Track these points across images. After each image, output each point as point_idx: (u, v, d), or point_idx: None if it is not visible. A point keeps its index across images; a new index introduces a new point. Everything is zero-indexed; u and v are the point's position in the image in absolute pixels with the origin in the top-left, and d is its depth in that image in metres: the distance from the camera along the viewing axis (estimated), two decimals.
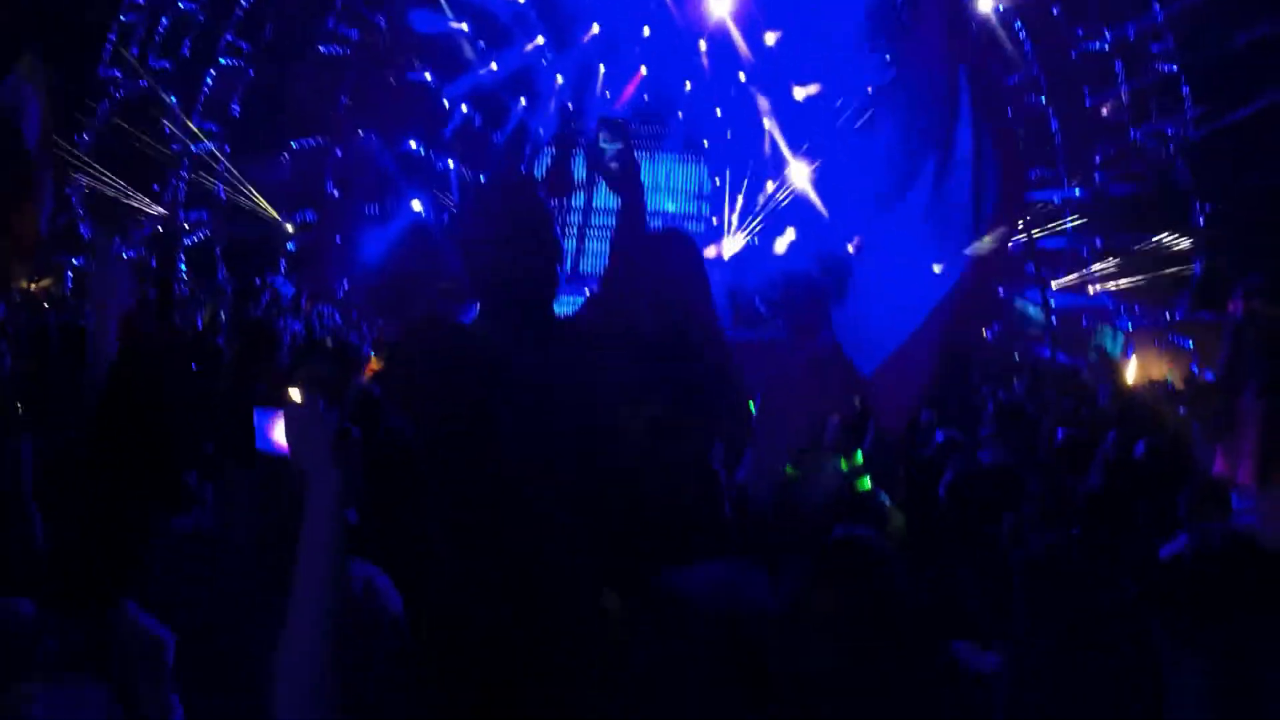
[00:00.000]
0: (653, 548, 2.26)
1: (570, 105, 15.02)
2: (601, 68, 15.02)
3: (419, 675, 1.99)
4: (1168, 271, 12.52)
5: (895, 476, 3.81)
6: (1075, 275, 13.49)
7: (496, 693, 1.90)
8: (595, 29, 14.75)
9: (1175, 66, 12.24)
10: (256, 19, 13.57)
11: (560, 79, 15.01)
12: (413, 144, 15.10)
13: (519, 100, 15.11)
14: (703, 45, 14.53)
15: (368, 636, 2.31)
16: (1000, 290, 11.41)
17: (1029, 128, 13.69)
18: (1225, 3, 10.93)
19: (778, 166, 14.68)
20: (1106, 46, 12.92)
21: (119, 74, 12.44)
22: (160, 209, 12.79)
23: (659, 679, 1.23)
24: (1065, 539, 3.12)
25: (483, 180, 14.40)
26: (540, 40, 14.86)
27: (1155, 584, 2.60)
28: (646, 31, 14.76)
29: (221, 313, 7.77)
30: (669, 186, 15.00)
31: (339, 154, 14.87)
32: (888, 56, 14.14)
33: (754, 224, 15.08)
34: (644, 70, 15.00)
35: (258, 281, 10.64)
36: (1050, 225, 13.60)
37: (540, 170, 14.35)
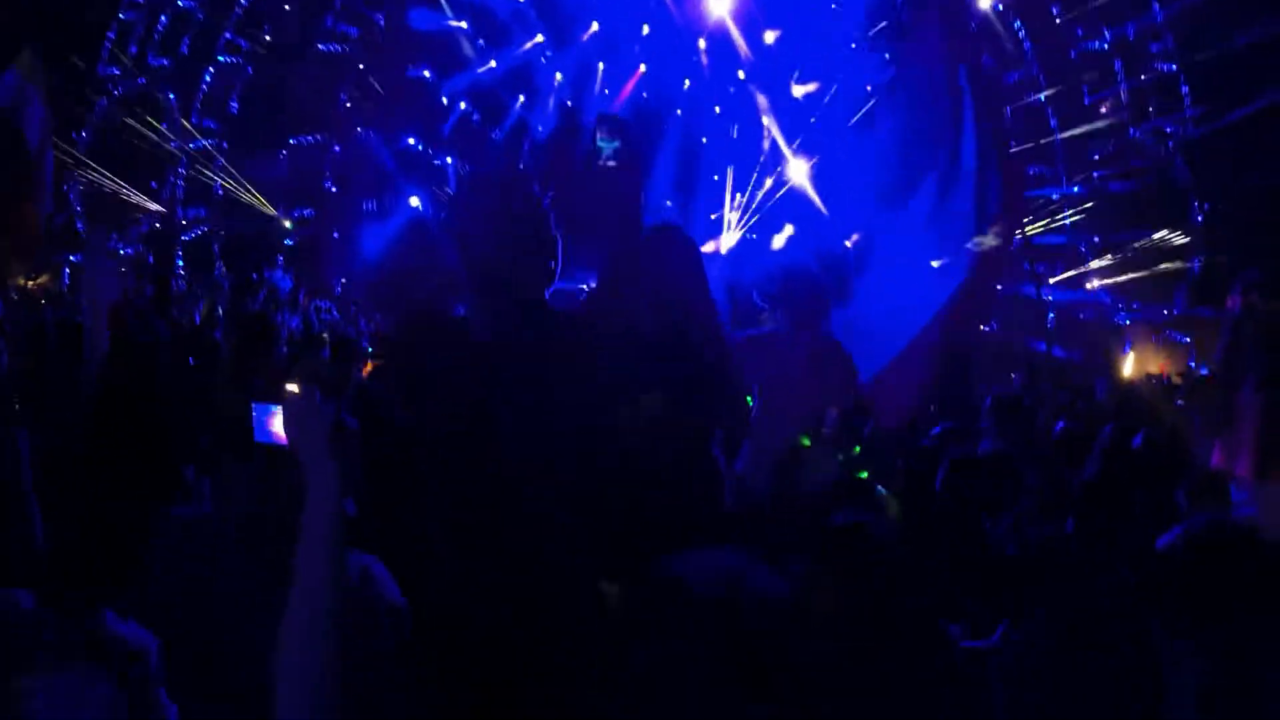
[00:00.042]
0: (653, 541, 2.26)
1: (569, 103, 15.03)
2: (601, 65, 15.02)
3: (417, 668, 1.99)
4: (1166, 267, 12.55)
5: (893, 469, 3.82)
6: (1074, 271, 13.51)
7: (494, 687, 1.90)
8: (594, 27, 14.76)
9: (1174, 66, 12.25)
10: (255, 17, 13.57)
11: (559, 77, 15.02)
12: (411, 141, 15.11)
13: (518, 98, 15.11)
14: (702, 44, 14.54)
15: (366, 625, 2.31)
16: (999, 287, 11.44)
17: (1028, 125, 13.71)
18: (1224, 3, 10.94)
19: (776, 164, 14.69)
20: (1106, 45, 12.93)
21: (118, 71, 12.44)
22: (158, 206, 12.80)
23: (658, 671, 1.22)
24: (1063, 531, 3.12)
25: (479, 176, 14.40)
26: (539, 38, 14.86)
27: (1152, 575, 2.61)
28: (646, 30, 14.76)
29: (219, 307, 7.77)
30: (667, 183, 15.00)
31: (337, 151, 14.88)
32: (887, 55, 14.16)
33: (752, 220, 15.10)
34: (643, 68, 15.01)
35: (255, 276, 10.64)
36: (1049, 221, 13.63)
37: (537, 166, 14.36)
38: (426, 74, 14.87)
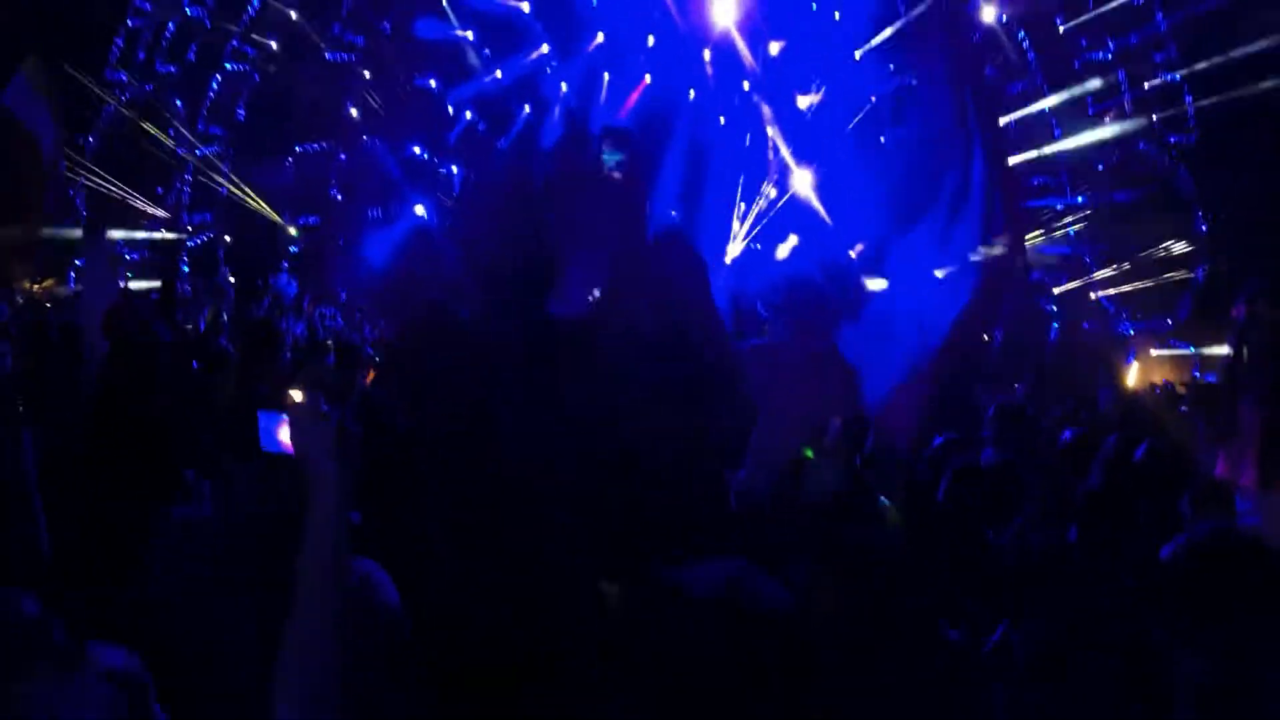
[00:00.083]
0: (654, 543, 2.26)
1: (575, 112, 15.08)
2: (606, 75, 15.08)
3: (416, 670, 1.99)
4: (1170, 277, 12.55)
5: (896, 479, 3.81)
6: (1078, 281, 13.51)
7: (494, 690, 1.90)
8: (600, 38, 14.82)
9: (1178, 75, 12.27)
10: (263, 25, 13.66)
11: (565, 86, 15.07)
12: (417, 149, 15.17)
13: (524, 107, 15.17)
14: (707, 54, 14.59)
15: (366, 631, 2.31)
16: (1004, 296, 11.44)
17: (1032, 135, 13.74)
18: (1227, 13, 10.97)
19: (781, 174, 14.72)
20: (1109, 55, 12.96)
21: (125, 77, 12.53)
22: (164, 211, 12.86)
23: (659, 676, 1.22)
24: (1065, 538, 3.11)
25: (484, 185, 14.46)
26: (545, 48, 14.93)
27: (1155, 582, 2.60)
28: (651, 41, 14.82)
29: (224, 313, 7.80)
30: (672, 193, 15.02)
31: (343, 159, 14.94)
32: (891, 66, 14.21)
33: (756, 230, 15.12)
34: (649, 78, 15.06)
35: (260, 283, 10.67)
36: (1053, 231, 13.65)
37: (542, 176, 14.40)
38: (432, 83, 14.94)
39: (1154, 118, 12.69)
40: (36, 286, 8.69)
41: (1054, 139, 13.60)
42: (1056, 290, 13.63)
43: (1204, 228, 12.35)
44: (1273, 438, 4.33)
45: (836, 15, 14.12)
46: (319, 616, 1.40)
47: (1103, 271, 13.29)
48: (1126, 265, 13.00)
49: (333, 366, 6.18)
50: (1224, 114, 11.51)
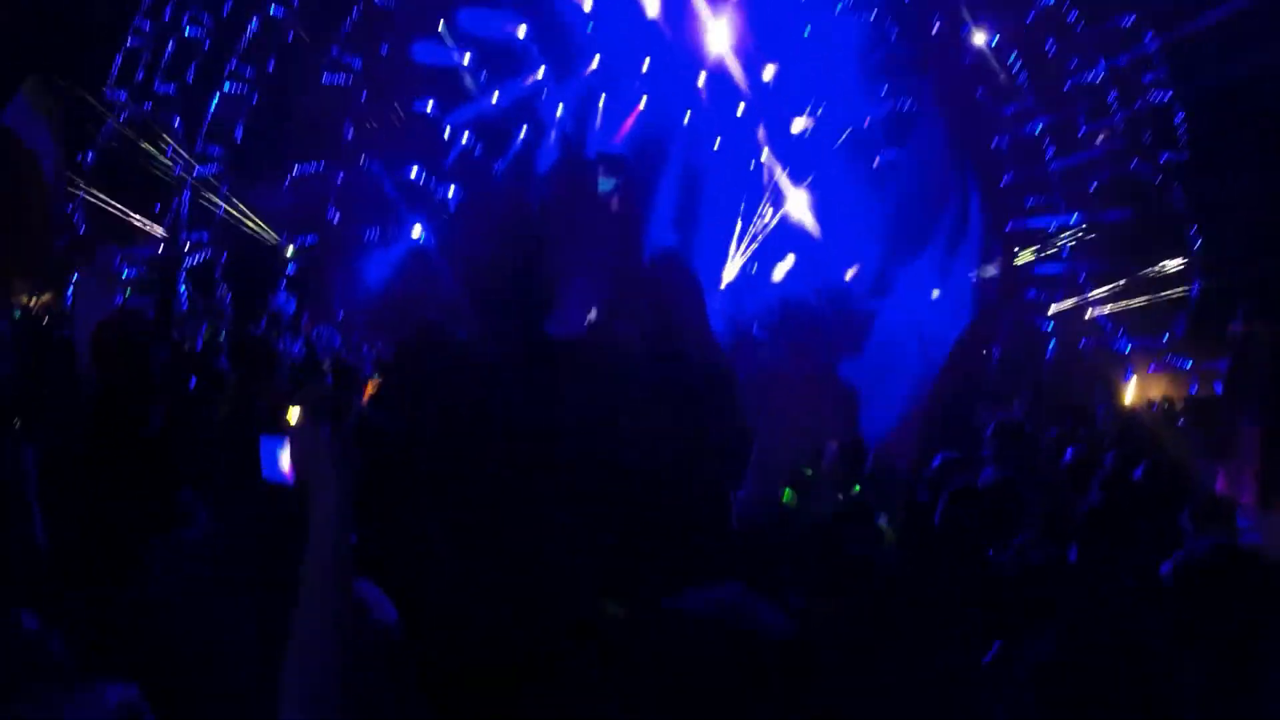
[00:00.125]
0: (656, 568, 2.26)
1: (571, 135, 15.18)
2: (602, 99, 15.19)
3: (414, 693, 1.97)
4: (1166, 294, 12.61)
5: (896, 500, 3.80)
6: (1074, 299, 13.57)
7: (488, 709, 1.89)
8: (596, 61, 14.94)
9: (1168, 95, 12.40)
10: (261, 46, 13.76)
11: (561, 109, 15.18)
12: (414, 171, 15.23)
13: (520, 130, 15.26)
14: (702, 78, 14.71)
15: (361, 651, 2.29)
16: (1001, 316, 11.51)
17: (1025, 157, 13.86)
18: (1216, 32, 11.10)
19: (775, 196, 14.80)
20: (1100, 76, 13.10)
21: (124, 96, 12.61)
22: (161, 229, 12.89)
23: (659, 704, 1.22)
24: (1066, 556, 3.11)
25: (481, 207, 14.52)
26: (542, 72, 15.04)
27: (1155, 598, 2.60)
28: (647, 64, 14.94)
29: (222, 331, 7.79)
30: (668, 216, 15.09)
31: (341, 180, 15.00)
32: (884, 89, 14.34)
33: (752, 251, 15.18)
34: (644, 102, 15.17)
35: (258, 302, 10.69)
36: (1048, 250, 13.73)
37: (539, 198, 14.47)
38: (430, 106, 15.04)
39: (1145, 137, 12.82)
40: (35, 301, 8.70)
41: (1047, 159, 13.71)
42: (1053, 308, 13.69)
43: (1197, 244, 12.44)
44: (1271, 455, 4.34)
45: (830, 38, 14.26)
46: (320, 642, 1.39)
47: (1098, 289, 13.35)
48: (1122, 282, 13.07)
49: (330, 386, 6.17)
50: (1215, 131, 11.62)
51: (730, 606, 1.23)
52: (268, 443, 1.57)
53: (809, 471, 3.63)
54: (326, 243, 14.88)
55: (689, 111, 15.10)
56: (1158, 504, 3.90)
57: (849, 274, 14.12)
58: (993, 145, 14.12)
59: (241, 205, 13.77)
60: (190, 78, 13.35)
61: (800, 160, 14.66)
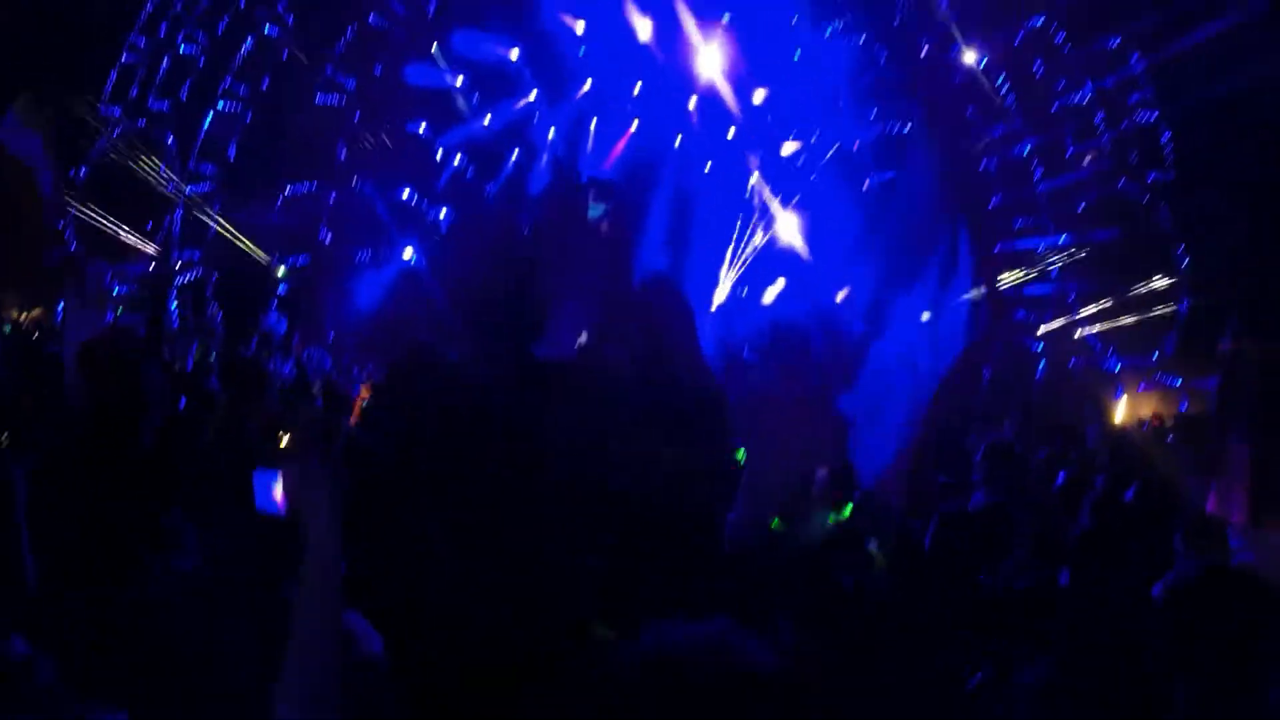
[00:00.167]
0: (648, 588, 2.24)
1: (563, 158, 15.25)
2: (594, 122, 15.28)
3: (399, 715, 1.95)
4: (1154, 312, 12.69)
5: (886, 525, 3.79)
6: (1063, 319, 13.63)
7: None
8: (588, 85, 15.04)
9: (1155, 115, 12.54)
10: (256, 65, 13.81)
11: (553, 132, 15.26)
12: (406, 193, 15.26)
13: (512, 152, 15.32)
14: (693, 102, 14.82)
15: (348, 680, 2.27)
16: (992, 339, 11.56)
17: (1014, 178, 13.97)
18: (1201, 52, 11.23)
19: (766, 219, 14.88)
20: (1087, 98, 13.25)
21: (118, 112, 12.62)
22: (153, 247, 12.86)
23: None
24: (1056, 580, 3.10)
25: (473, 229, 14.55)
26: (534, 95, 15.13)
27: (1148, 620, 2.60)
28: (638, 88, 15.05)
29: (212, 352, 7.76)
30: (659, 240, 15.13)
31: (333, 200, 15.01)
32: (873, 112, 14.47)
33: (742, 273, 15.22)
34: (635, 125, 15.27)
35: (249, 321, 10.65)
36: (1037, 271, 13.81)
37: (531, 221, 14.50)
38: (422, 127, 15.09)
39: (1132, 157, 12.94)
40: (25, 316, 8.66)
41: (1035, 180, 13.83)
42: (1042, 329, 13.76)
43: (1185, 262, 12.54)
44: (1261, 474, 4.35)
45: (819, 63, 14.40)
46: (313, 674, 1.38)
47: (1087, 309, 13.42)
48: (1110, 302, 13.14)
49: (321, 409, 6.15)
50: (1201, 150, 11.74)
51: (715, 642, 1.21)
52: (260, 475, 1.60)
53: (799, 499, 3.61)
54: (318, 263, 14.86)
55: (680, 135, 15.20)
56: (1149, 525, 3.90)
57: (839, 296, 14.19)
58: (981, 167, 14.25)
59: (234, 224, 13.76)
60: (184, 95, 13.38)
61: (791, 183, 14.75)
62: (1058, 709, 2.45)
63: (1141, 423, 9.43)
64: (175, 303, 12.58)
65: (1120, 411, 10.64)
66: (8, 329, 7.20)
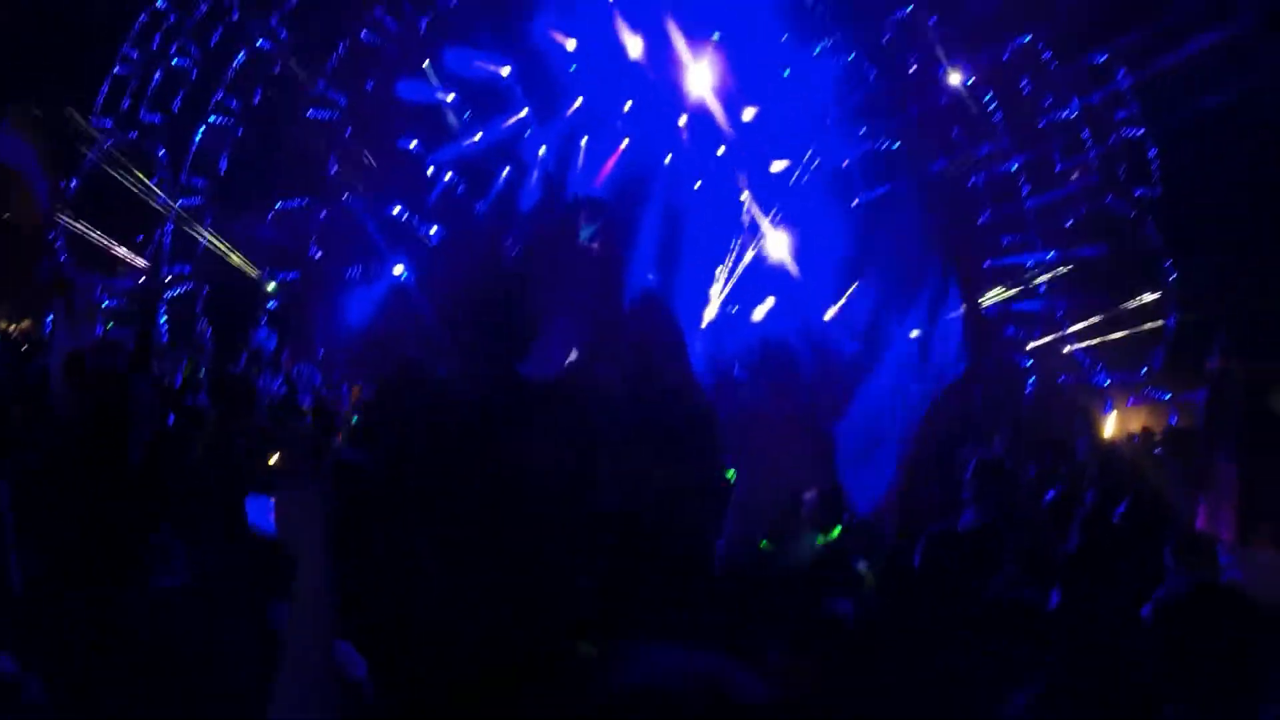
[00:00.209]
0: (638, 607, 2.23)
1: (553, 176, 15.30)
2: (585, 139, 15.34)
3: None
4: (1143, 327, 12.77)
5: (875, 545, 3.79)
6: (1052, 335, 13.71)
7: None
8: (579, 102, 15.12)
9: (1141, 131, 12.68)
10: (248, 79, 13.83)
11: (544, 149, 15.31)
12: (396, 209, 15.27)
13: (503, 169, 15.37)
14: (683, 119, 14.91)
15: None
16: (981, 357, 11.61)
17: (1002, 195, 14.09)
18: (1187, 68, 11.36)
19: (756, 236, 14.94)
20: (1074, 114, 13.38)
21: (110, 124, 12.61)
22: (143, 260, 12.83)
23: None
24: (1046, 599, 3.10)
25: (463, 246, 14.56)
26: (525, 112, 15.20)
27: (1139, 636, 2.60)
28: (629, 105, 15.14)
29: (202, 368, 7.72)
30: (649, 257, 15.17)
31: (323, 216, 15.00)
32: (862, 130, 14.59)
33: (732, 291, 15.26)
34: (626, 142, 15.34)
35: (238, 337, 10.61)
36: (1025, 287, 13.90)
37: (521, 238, 14.52)
38: (413, 144, 15.13)
39: (1119, 172, 13.06)
40: (13, 329, 8.60)
41: (1023, 196, 13.94)
42: (1031, 345, 13.83)
43: (1172, 276, 12.64)
44: (1248, 493, 4.38)
45: (809, 81, 14.51)
46: (305, 690, 1.38)
47: (1076, 324, 13.51)
48: (1098, 317, 13.23)
49: (310, 426, 6.12)
50: (1188, 165, 11.87)
51: (708, 676, 1.20)
52: (254, 502, 1.60)
53: (788, 521, 3.61)
54: (309, 278, 14.84)
55: (670, 152, 15.27)
56: (1139, 540, 3.91)
57: (829, 314, 14.24)
58: (969, 184, 14.36)
59: (224, 238, 13.73)
60: (177, 108, 13.38)
61: (780, 200, 14.82)
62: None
63: (1131, 437, 9.47)
64: (165, 317, 12.54)
65: (1110, 426, 10.69)
66: None
